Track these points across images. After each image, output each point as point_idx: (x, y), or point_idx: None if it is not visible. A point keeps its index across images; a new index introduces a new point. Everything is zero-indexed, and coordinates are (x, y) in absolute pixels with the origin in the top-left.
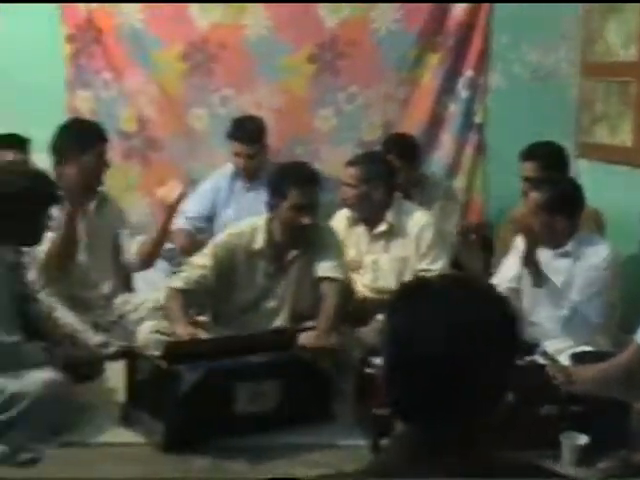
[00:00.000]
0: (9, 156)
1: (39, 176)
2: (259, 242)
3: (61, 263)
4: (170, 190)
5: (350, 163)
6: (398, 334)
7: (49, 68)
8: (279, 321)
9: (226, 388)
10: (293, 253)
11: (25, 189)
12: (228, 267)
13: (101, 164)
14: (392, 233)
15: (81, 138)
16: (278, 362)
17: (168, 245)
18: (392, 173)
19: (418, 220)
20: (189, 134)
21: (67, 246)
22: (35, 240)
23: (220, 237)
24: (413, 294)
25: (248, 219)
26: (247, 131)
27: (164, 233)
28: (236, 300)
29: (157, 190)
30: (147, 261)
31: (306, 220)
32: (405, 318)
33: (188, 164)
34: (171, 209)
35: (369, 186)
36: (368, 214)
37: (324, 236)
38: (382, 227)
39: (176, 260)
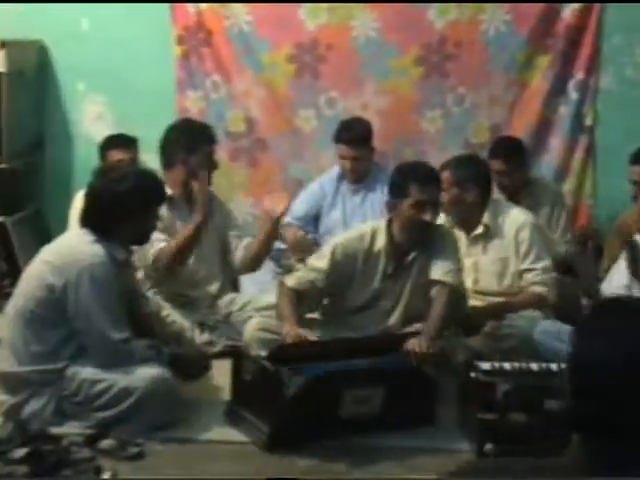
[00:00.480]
0: (118, 156)
1: (146, 175)
2: (380, 243)
3: (176, 266)
4: (277, 202)
5: (442, 167)
6: (592, 351)
7: (160, 69)
8: (391, 321)
9: (331, 393)
10: (413, 254)
11: (133, 188)
12: (346, 270)
13: (209, 165)
14: (489, 235)
15: (190, 139)
16: (383, 368)
17: (276, 245)
18: (487, 176)
19: (515, 219)
20: (296, 135)
21: (187, 252)
22: (143, 239)
23: (340, 239)
24: (608, 312)
25: (369, 222)
26: (354, 133)
27: (268, 243)
28: (350, 301)
29: (265, 199)
30: (252, 265)
31: (428, 217)
32: (601, 337)
33: (294, 165)
34: (276, 222)
35: (460, 189)
36: (462, 217)
37: (443, 238)
38: (478, 230)
39: (283, 261)
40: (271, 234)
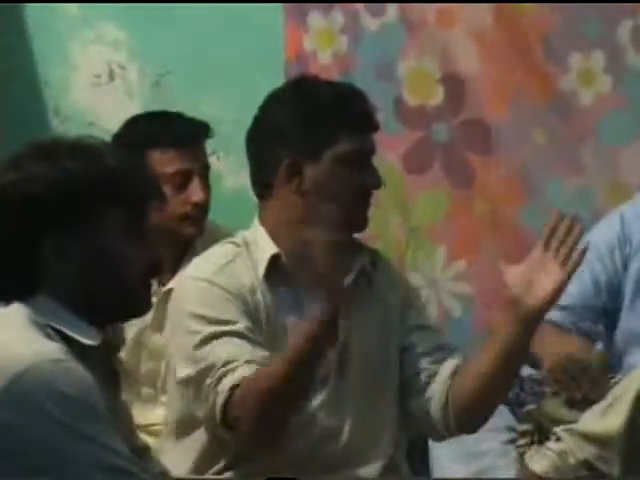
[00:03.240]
0: (169, 165)
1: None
2: None
3: (282, 424)
4: (539, 274)
5: None
6: None
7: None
8: None
9: None
10: None
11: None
12: None
13: (364, 184)
14: None
15: (318, 129)
16: None
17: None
18: None
19: None
20: (562, 114)
21: (302, 390)
22: (139, 307)
23: None
24: None
25: None
26: None
27: (512, 359)
28: None
29: (505, 272)
30: (465, 416)
31: None
32: None
33: (557, 181)
34: (529, 320)
35: None
36: None
37: None
38: None
39: (530, 405)
40: (520, 338)
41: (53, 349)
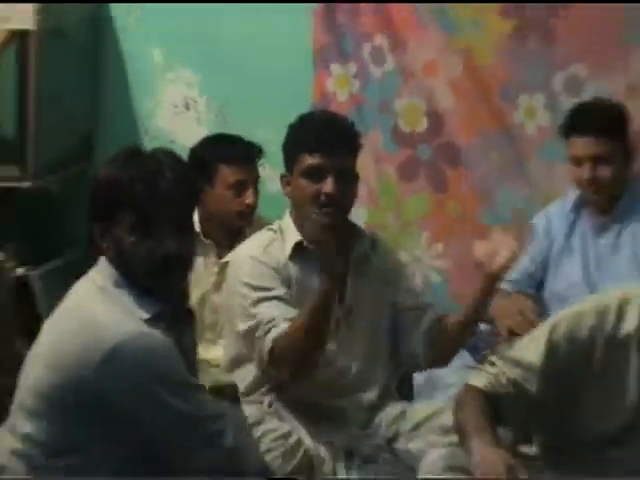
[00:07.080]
0: (236, 175)
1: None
2: (630, 322)
3: (306, 368)
4: (499, 245)
5: None
6: None
7: (286, 30)
8: None
9: None
10: None
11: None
12: (574, 367)
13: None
14: None
15: (289, 148)
16: None
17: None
18: None
19: None
20: (512, 140)
21: (317, 342)
22: (156, 290)
23: (564, 314)
24: None
25: (615, 286)
26: (596, 118)
27: (474, 317)
28: (586, 424)
29: (475, 246)
30: (442, 356)
31: None
32: None
33: (507, 190)
34: (492, 280)
35: None
36: None
37: None
38: None
39: (484, 350)
40: (481, 302)
41: (136, 325)
